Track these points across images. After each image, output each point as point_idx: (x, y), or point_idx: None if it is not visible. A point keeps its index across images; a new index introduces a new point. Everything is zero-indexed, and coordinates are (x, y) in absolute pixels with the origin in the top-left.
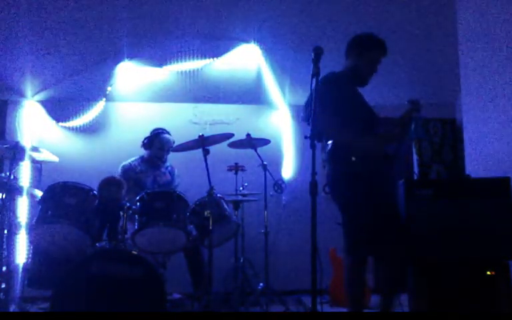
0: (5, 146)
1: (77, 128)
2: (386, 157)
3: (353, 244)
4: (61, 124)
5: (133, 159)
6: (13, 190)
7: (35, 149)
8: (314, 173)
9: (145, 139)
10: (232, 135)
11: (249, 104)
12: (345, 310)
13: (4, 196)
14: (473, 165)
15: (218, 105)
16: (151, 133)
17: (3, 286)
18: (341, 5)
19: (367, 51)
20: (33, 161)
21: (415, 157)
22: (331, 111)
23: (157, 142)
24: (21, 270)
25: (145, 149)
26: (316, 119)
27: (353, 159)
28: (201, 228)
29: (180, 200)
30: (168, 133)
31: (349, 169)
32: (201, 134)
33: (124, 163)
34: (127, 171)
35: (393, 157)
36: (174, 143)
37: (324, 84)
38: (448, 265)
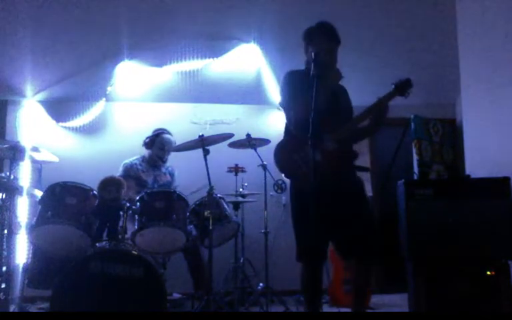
0: (5, 146)
1: (77, 128)
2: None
3: (298, 252)
4: (60, 124)
5: (134, 157)
6: (12, 190)
7: (35, 149)
8: (314, 173)
9: (146, 138)
10: (232, 135)
11: (249, 104)
12: (344, 310)
13: (4, 196)
14: (473, 165)
15: (218, 104)
16: (152, 132)
17: (3, 286)
18: (340, 5)
19: (310, 41)
20: (33, 161)
21: (414, 156)
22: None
23: (157, 142)
24: (21, 270)
25: (146, 148)
26: (316, 119)
27: (300, 162)
28: (201, 228)
29: (180, 200)
30: (169, 133)
31: (291, 174)
32: (200, 134)
33: (125, 161)
34: (128, 169)
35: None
36: (175, 143)
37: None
38: (448, 265)
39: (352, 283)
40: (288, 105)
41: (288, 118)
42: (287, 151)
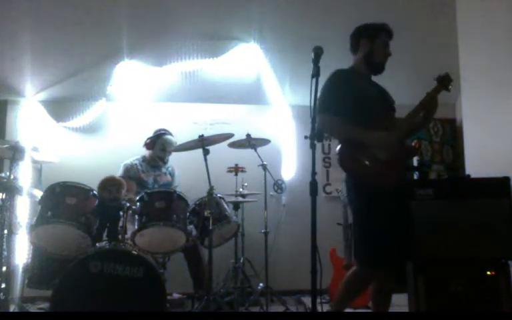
0: (5, 146)
1: (77, 128)
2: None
3: (361, 257)
4: (61, 124)
5: (134, 158)
6: (12, 190)
7: (35, 149)
8: (314, 173)
9: (147, 139)
10: (232, 135)
11: (249, 104)
12: (344, 310)
13: (4, 196)
14: (472, 164)
15: (218, 104)
16: (153, 133)
17: (3, 286)
18: (340, 5)
19: (375, 35)
20: (33, 161)
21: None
22: (334, 110)
23: (159, 143)
24: (21, 270)
25: (147, 149)
26: (315, 118)
27: (367, 162)
28: (201, 228)
29: (180, 200)
30: (170, 134)
31: (359, 175)
32: (201, 134)
33: (125, 162)
34: (128, 169)
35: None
36: (176, 143)
37: (326, 82)
38: (448, 265)
39: (378, 286)
40: (341, 106)
41: (335, 119)
42: (351, 153)
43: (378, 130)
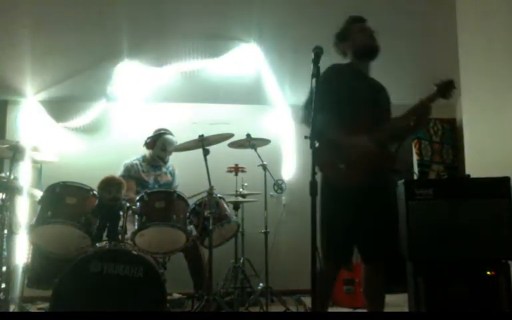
0: (5, 146)
1: (77, 128)
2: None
3: (322, 256)
4: (60, 124)
5: (134, 158)
6: (12, 190)
7: (35, 149)
8: (314, 173)
9: (147, 138)
10: (232, 135)
11: (249, 104)
12: (345, 310)
13: (4, 196)
14: (473, 165)
15: (218, 104)
16: (153, 132)
17: (3, 286)
18: (341, 5)
19: (348, 33)
20: (33, 161)
21: (414, 156)
22: (318, 108)
23: (159, 143)
24: (21, 270)
25: (147, 148)
26: (315, 118)
27: (342, 166)
28: (201, 228)
29: (180, 200)
30: (171, 133)
31: (329, 175)
32: (201, 134)
33: (126, 162)
34: (129, 169)
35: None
36: (176, 143)
37: (320, 78)
38: (448, 265)
39: (368, 286)
40: (331, 104)
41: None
42: (327, 153)
43: (362, 131)
